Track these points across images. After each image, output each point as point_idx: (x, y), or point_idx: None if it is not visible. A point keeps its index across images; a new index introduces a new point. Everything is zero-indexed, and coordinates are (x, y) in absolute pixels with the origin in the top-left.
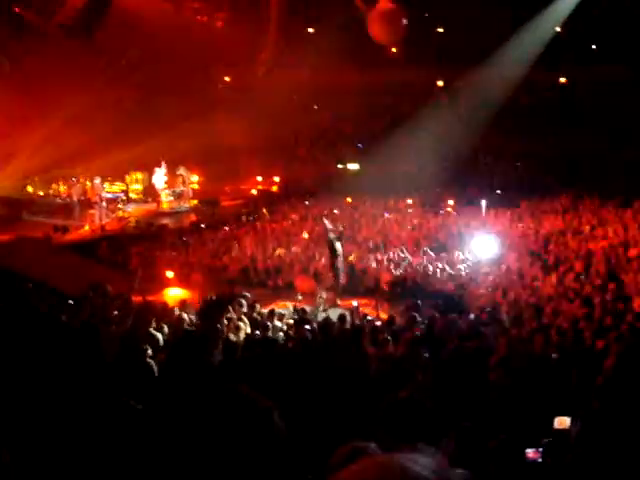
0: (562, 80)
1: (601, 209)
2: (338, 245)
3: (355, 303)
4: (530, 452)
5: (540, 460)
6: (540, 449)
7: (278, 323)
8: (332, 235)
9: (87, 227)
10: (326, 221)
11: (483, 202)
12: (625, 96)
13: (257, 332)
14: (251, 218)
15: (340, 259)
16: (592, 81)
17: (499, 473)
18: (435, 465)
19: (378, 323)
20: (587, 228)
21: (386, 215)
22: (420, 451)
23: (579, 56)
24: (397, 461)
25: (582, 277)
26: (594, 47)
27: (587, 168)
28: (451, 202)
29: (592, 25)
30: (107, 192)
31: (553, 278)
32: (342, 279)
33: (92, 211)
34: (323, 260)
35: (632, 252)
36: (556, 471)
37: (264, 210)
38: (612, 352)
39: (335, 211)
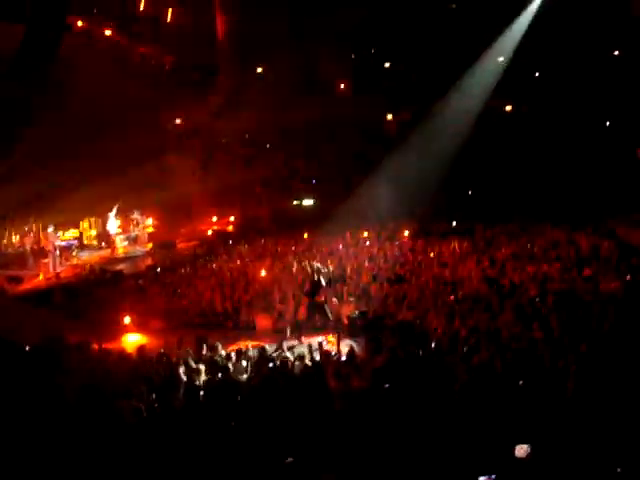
0: (508, 108)
1: (552, 232)
2: (323, 285)
3: (320, 339)
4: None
5: None
6: (493, 476)
7: (244, 363)
8: (321, 276)
9: (41, 276)
10: (316, 264)
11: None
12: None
13: (219, 375)
14: (208, 258)
15: (323, 299)
16: (537, 109)
17: None
18: None
19: (342, 358)
20: (539, 251)
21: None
22: None
23: (524, 84)
24: None
25: (537, 300)
26: (537, 75)
27: (536, 193)
28: (406, 233)
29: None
30: (61, 240)
31: (509, 304)
32: (330, 317)
33: (46, 260)
34: (281, 296)
35: (586, 272)
36: None
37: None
38: (571, 373)
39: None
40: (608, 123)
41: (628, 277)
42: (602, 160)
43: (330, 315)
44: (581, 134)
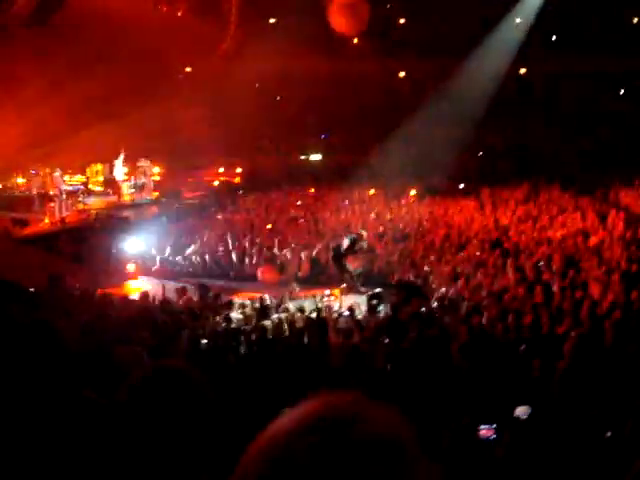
0: (522, 71)
1: (560, 198)
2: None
3: (324, 293)
4: (484, 429)
5: (493, 438)
6: (494, 426)
7: (235, 314)
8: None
9: (47, 220)
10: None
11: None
12: (580, 87)
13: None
14: (213, 209)
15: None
16: (549, 72)
17: (451, 449)
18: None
19: (345, 313)
20: (546, 217)
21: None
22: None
23: (537, 48)
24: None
25: (541, 264)
26: (554, 38)
27: (544, 157)
28: (413, 192)
29: (552, 18)
30: (67, 185)
31: (512, 266)
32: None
33: (52, 204)
34: (286, 251)
35: (592, 241)
36: (509, 451)
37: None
38: (570, 339)
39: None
40: (622, 91)
41: (633, 247)
42: (614, 125)
43: (351, 270)
44: (594, 99)
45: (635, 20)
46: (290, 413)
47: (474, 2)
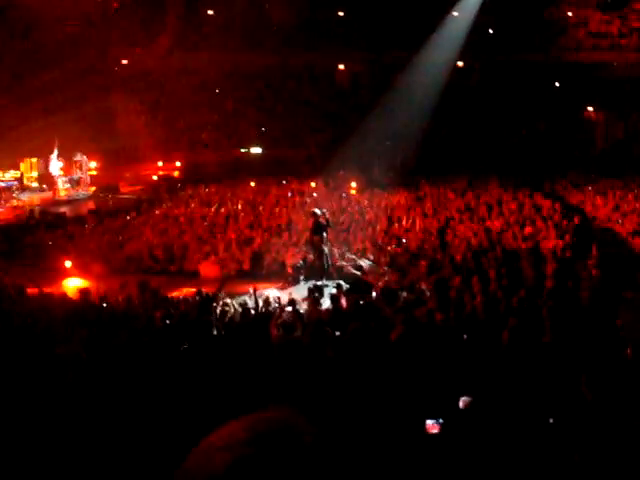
0: (459, 64)
1: (497, 189)
2: (324, 232)
3: (266, 288)
4: (430, 424)
5: (438, 433)
6: (440, 421)
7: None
8: (321, 222)
9: None
10: (318, 210)
11: None
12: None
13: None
14: (152, 204)
15: (325, 243)
16: (489, 66)
17: (398, 444)
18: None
19: (286, 307)
20: (484, 208)
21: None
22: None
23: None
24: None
25: (478, 255)
26: (491, 32)
27: (482, 149)
28: (354, 184)
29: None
30: (0, 180)
31: (450, 256)
32: (329, 267)
33: None
34: (225, 245)
35: (526, 230)
36: (454, 445)
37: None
38: (508, 326)
39: (314, 194)
40: (557, 84)
41: (567, 236)
42: (549, 120)
43: (328, 263)
44: (530, 94)
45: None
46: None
47: None
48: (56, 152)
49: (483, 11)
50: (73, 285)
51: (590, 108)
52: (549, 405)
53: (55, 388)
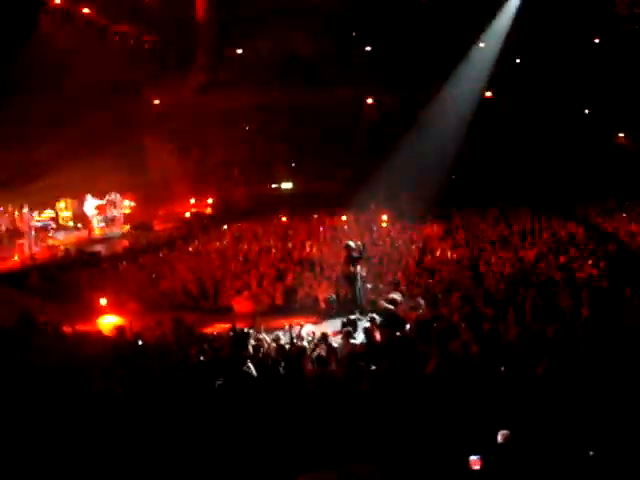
0: (488, 94)
1: (530, 218)
2: (357, 265)
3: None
4: (473, 459)
5: (480, 468)
6: (481, 456)
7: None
8: (355, 255)
9: (16, 257)
10: (352, 243)
11: None
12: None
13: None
14: (185, 241)
15: (359, 276)
16: (517, 96)
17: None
18: None
19: (320, 342)
20: (517, 238)
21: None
22: None
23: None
24: None
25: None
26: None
27: (513, 179)
28: (385, 217)
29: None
30: (36, 221)
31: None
32: (363, 300)
33: (21, 240)
34: (259, 280)
35: (561, 259)
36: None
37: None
38: (544, 358)
39: (345, 228)
40: (587, 111)
41: (602, 264)
42: (580, 147)
43: (361, 297)
44: (560, 121)
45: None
46: None
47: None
48: (89, 195)
49: (509, 42)
50: (108, 322)
51: (621, 134)
52: (588, 437)
53: (92, 424)
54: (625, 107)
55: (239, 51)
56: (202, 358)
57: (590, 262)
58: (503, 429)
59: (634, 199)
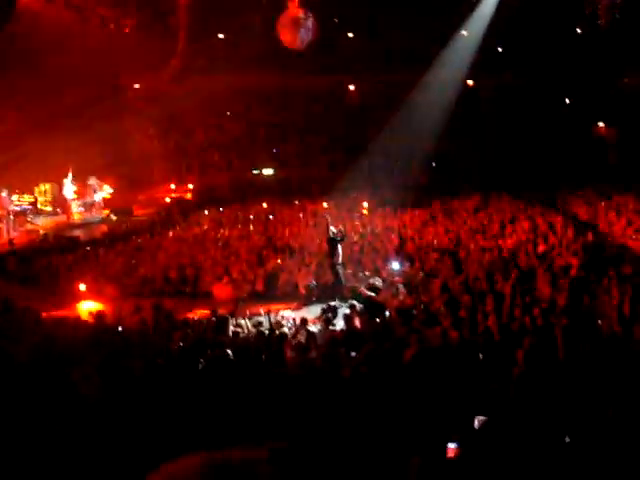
0: (470, 83)
1: (510, 207)
2: (339, 247)
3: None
4: (450, 448)
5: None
6: (458, 445)
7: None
8: (334, 236)
9: None
10: (329, 220)
11: None
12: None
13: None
14: (165, 226)
15: (340, 260)
16: (496, 86)
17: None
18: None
19: (300, 328)
20: (497, 226)
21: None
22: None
23: (485, 62)
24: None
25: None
26: (500, 50)
27: (494, 167)
28: (365, 204)
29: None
30: (15, 205)
31: (464, 275)
32: (343, 280)
33: None
34: (241, 266)
35: (540, 248)
36: (471, 466)
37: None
38: (523, 345)
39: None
40: (568, 100)
41: (581, 253)
42: (561, 136)
43: (343, 279)
44: (541, 110)
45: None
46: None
47: (419, 17)
48: (70, 176)
49: (491, 30)
50: (87, 308)
51: (601, 124)
52: (565, 424)
53: (70, 413)
54: (606, 96)
55: (220, 36)
56: (182, 344)
57: (569, 251)
58: (480, 415)
59: (613, 188)
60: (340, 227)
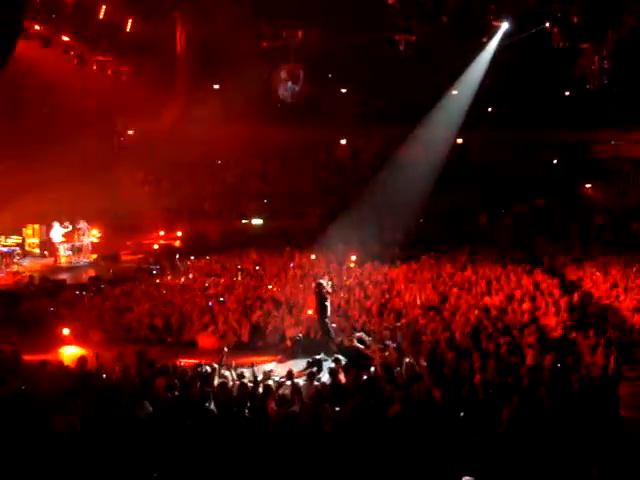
0: (459, 141)
1: (497, 264)
2: (328, 303)
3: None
4: None
5: None
6: None
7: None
8: (326, 293)
9: None
10: (324, 281)
11: None
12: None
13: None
14: (154, 272)
15: (328, 314)
16: (485, 142)
17: None
18: None
19: (285, 381)
20: (483, 283)
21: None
22: None
23: (474, 119)
24: None
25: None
26: (490, 110)
27: (481, 224)
28: (354, 257)
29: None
30: (2, 246)
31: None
32: (332, 334)
33: None
34: (225, 316)
35: (525, 306)
36: None
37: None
38: (510, 405)
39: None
40: (555, 161)
41: (566, 313)
42: (548, 196)
43: (332, 334)
44: (529, 170)
45: (567, 94)
46: None
47: (412, 74)
48: (57, 224)
49: (482, 89)
50: (70, 353)
51: (588, 185)
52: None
53: (50, 459)
54: (592, 158)
55: (216, 86)
56: (170, 395)
57: (554, 310)
58: (467, 475)
59: (600, 248)
60: (328, 280)
